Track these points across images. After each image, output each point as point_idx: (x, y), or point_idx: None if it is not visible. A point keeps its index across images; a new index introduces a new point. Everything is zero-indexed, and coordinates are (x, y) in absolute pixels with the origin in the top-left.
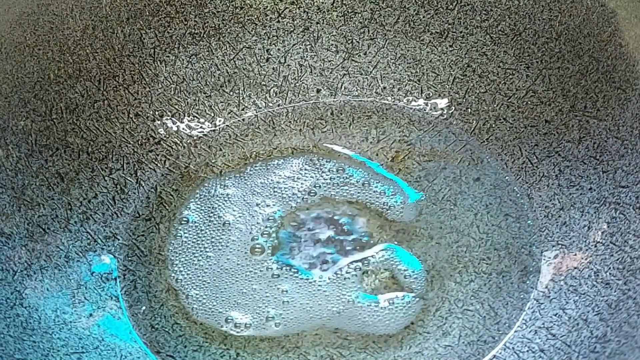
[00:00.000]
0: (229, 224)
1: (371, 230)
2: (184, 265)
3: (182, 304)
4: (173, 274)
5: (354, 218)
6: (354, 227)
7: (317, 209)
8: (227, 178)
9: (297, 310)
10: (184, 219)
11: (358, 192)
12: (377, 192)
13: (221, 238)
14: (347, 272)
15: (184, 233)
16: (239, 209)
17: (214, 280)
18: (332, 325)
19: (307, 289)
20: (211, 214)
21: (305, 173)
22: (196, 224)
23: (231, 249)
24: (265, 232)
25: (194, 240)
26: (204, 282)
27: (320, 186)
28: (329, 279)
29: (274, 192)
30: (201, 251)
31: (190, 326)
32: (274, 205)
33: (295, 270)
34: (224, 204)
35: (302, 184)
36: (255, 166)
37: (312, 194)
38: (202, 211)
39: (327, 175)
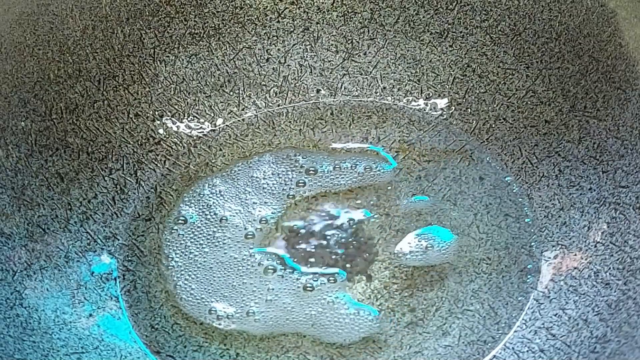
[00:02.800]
0: (226, 219)
1: (369, 230)
2: (179, 260)
3: (172, 297)
4: (167, 271)
5: (348, 210)
6: (349, 222)
7: (311, 203)
8: (215, 177)
9: (278, 309)
10: (182, 217)
11: (341, 176)
12: (352, 166)
13: (217, 234)
14: (337, 275)
15: (180, 230)
16: (234, 206)
17: (205, 274)
18: (314, 328)
19: (292, 288)
20: (207, 211)
21: (288, 167)
22: (193, 222)
23: (228, 245)
24: (258, 229)
25: (191, 237)
26: (197, 276)
27: (308, 177)
28: (319, 279)
29: (264, 190)
30: (197, 247)
31: (190, 326)
32: (268, 202)
33: (290, 269)
34: (218, 201)
35: (289, 177)
36: (239, 165)
37: (300, 184)
38: (198, 208)
39: (309, 166)
